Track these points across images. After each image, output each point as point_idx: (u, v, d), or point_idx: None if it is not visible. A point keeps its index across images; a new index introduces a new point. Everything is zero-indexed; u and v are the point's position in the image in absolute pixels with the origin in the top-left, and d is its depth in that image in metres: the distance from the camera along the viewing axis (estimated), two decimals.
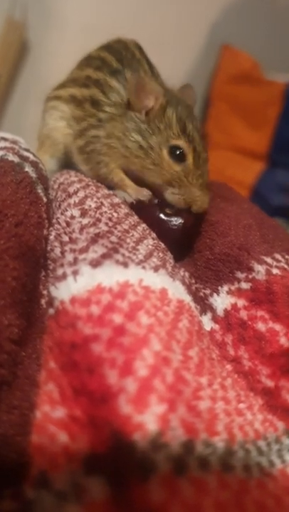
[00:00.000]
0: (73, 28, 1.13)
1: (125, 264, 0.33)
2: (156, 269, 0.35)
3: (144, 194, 0.47)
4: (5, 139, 0.45)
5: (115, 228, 0.38)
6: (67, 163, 0.56)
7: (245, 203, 0.54)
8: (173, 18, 1.33)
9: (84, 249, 0.34)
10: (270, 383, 0.33)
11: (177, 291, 0.35)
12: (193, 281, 0.45)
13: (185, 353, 0.29)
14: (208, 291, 0.42)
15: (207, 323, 0.40)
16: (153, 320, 0.29)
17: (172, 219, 0.47)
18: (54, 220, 0.40)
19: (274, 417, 0.31)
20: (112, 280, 0.31)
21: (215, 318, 0.40)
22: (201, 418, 0.25)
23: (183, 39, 1.38)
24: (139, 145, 0.47)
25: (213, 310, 0.40)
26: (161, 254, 0.39)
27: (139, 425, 0.23)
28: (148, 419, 0.23)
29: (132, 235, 0.39)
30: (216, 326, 0.39)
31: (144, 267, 0.34)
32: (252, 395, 0.32)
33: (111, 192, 0.47)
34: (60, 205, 0.42)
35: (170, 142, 0.46)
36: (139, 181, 0.49)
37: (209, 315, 0.40)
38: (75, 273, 0.32)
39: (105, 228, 0.37)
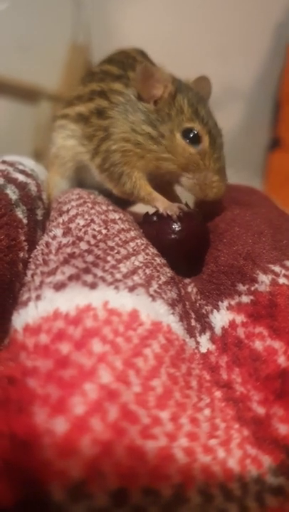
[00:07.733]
0: (137, 44, 1.12)
1: (93, 285, 0.31)
2: (132, 288, 0.32)
3: (173, 209, 0.44)
4: (4, 162, 0.44)
5: (97, 246, 0.36)
6: (81, 182, 0.54)
7: (265, 207, 0.49)
8: (236, 23, 1.31)
9: (52, 272, 0.32)
10: (261, 410, 0.29)
11: (155, 312, 0.31)
12: (199, 297, 0.41)
13: (146, 383, 0.26)
14: (209, 308, 0.38)
15: (205, 343, 0.36)
16: (108, 348, 0.26)
17: (173, 228, 0.44)
18: (40, 241, 0.39)
19: (259, 451, 0.27)
20: (71, 304, 0.28)
21: (213, 338, 0.36)
22: (143, 461, 0.22)
23: (248, 43, 1.35)
24: (149, 136, 0.44)
25: (212, 328, 0.36)
26: (148, 271, 0.36)
27: (59, 472, 0.20)
28: (72, 465, 0.21)
29: (118, 252, 0.36)
30: (213, 347, 0.35)
31: (116, 287, 0.31)
32: (236, 427, 0.28)
33: (110, 208, 0.45)
34: (49, 225, 0.40)
35: (183, 126, 0.44)
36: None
37: (208, 334, 0.36)
38: (37, 298, 0.30)
39: (84, 247, 0.35)
